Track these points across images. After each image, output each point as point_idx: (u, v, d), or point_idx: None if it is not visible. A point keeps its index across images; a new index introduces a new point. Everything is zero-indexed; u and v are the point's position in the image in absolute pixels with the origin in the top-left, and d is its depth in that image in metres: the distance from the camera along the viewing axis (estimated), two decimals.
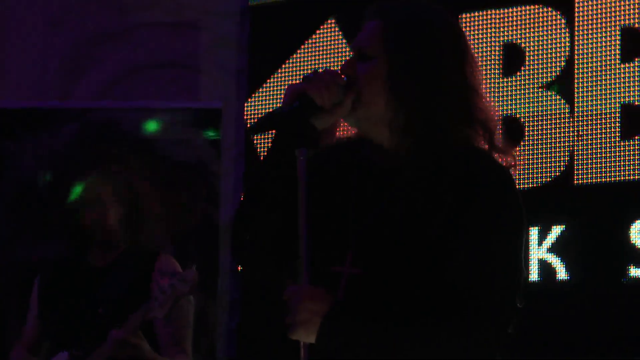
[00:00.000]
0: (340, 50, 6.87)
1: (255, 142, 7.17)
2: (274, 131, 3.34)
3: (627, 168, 6.25)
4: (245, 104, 7.17)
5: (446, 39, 3.27)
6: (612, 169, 6.28)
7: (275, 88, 7.16)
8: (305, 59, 7.08)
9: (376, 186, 3.23)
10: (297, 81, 3.37)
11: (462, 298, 3.06)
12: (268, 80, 7.17)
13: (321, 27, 6.96)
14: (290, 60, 7.10)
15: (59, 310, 5.42)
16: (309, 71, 6.89)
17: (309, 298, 3.09)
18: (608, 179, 6.28)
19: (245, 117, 7.19)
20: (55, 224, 6.18)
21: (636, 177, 6.22)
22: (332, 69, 3.35)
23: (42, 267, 5.61)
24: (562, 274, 6.21)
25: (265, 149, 6.88)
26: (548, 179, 6.28)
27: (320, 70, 3.31)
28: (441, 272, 3.09)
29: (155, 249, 5.41)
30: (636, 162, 6.25)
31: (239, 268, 6.92)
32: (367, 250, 3.18)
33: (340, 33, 6.89)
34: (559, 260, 6.23)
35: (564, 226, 6.20)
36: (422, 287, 3.10)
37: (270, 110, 3.29)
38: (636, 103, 6.30)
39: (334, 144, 3.38)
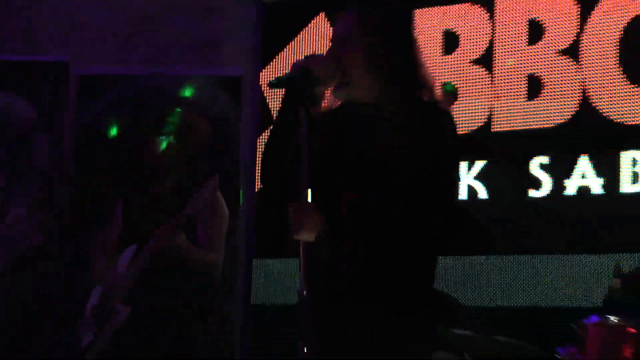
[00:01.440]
0: (328, 36, 6.43)
1: (268, 102, 7.79)
2: (283, 89, 3.65)
3: (529, 121, 7.01)
4: (260, 74, 7.81)
5: (406, 24, 3.73)
6: (519, 121, 7.04)
7: (284, 62, 7.82)
8: (305, 42, 7.77)
9: (366, 127, 3.59)
10: (301, 58, 3.70)
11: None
12: (277, 56, 7.85)
13: (315, 17, 7.77)
14: (294, 42, 7.82)
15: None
16: (308, 51, 7.38)
17: (310, 212, 3.50)
18: (516, 128, 7.03)
19: (260, 84, 7.82)
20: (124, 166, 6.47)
21: (535, 126, 6.95)
22: (322, 53, 3.69)
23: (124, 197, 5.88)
24: (483, 194, 7.03)
25: (275, 108, 7.58)
26: (474, 127, 7.04)
27: (317, 53, 3.69)
28: (407, 182, 3.47)
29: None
30: (536, 116, 6.99)
31: (259, 186, 7.42)
32: (360, 172, 3.57)
33: (328, 23, 7.64)
34: (481, 185, 7.04)
35: (485, 161, 7.00)
36: (394, 195, 3.49)
37: (282, 74, 3.66)
38: (536, 74, 7.04)
39: (330, 110, 3.72)
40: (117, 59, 7.98)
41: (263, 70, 7.91)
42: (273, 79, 3.63)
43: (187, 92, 7.23)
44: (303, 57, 3.61)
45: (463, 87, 7.05)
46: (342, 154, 3.61)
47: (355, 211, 3.48)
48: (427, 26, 7.40)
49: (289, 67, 3.67)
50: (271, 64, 7.94)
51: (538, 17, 7.11)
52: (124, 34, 8.02)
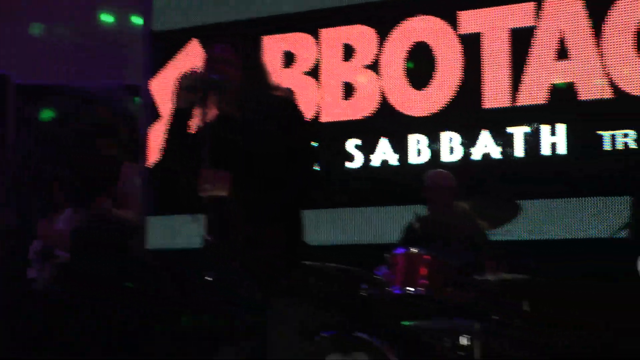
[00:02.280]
0: (200, 56, 5.64)
1: (155, 100, 7.69)
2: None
3: (345, 114, 7.09)
4: (149, 82, 7.88)
5: (258, 53, 3.86)
6: (338, 114, 7.11)
7: (168, 75, 7.67)
8: (182, 61, 7.71)
9: (229, 125, 3.67)
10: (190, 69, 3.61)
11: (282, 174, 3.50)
12: (163, 70, 7.82)
13: (189, 43, 7.77)
14: (174, 60, 7.80)
15: None
16: (185, 67, 5.33)
17: (222, 174, 3.50)
18: (336, 120, 7.12)
19: (149, 89, 7.78)
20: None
21: (350, 118, 7.06)
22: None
23: None
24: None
25: (161, 104, 7.50)
26: (307, 119, 5.94)
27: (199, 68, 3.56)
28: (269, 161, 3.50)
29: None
30: (350, 111, 7.07)
31: None
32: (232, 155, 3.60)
33: (200, 46, 7.55)
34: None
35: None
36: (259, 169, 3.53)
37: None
38: (349, 82, 7.07)
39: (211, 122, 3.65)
40: (49, 72, 7.75)
41: (151, 80, 7.94)
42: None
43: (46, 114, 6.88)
44: (210, 66, 3.62)
45: (297, 90, 7.02)
46: (224, 148, 3.59)
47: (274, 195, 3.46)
48: (273, 49, 7.47)
49: (173, 78, 3.71)
50: (158, 76, 7.91)
51: (350, 42, 7.30)
52: (58, 55, 7.87)
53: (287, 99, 3.67)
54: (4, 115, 7.22)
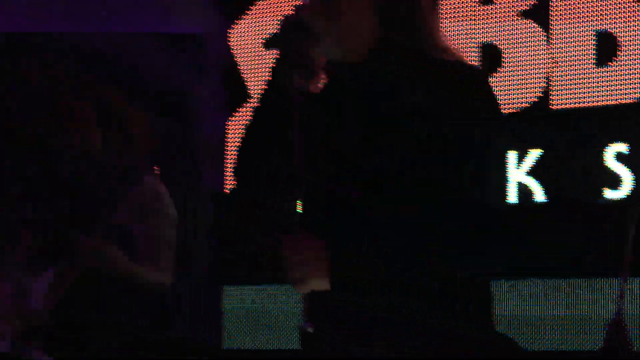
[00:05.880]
0: None
1: (240, 69, 6.23)
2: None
3: (601, 94, 5.52)
4: (229, 31, 6.27)
5: None
6: (588, 94, 5.55)
7: (259, 16, 6.25)
8: None
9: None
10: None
11: None
12: (252, 8, 6.27)
13: None
14: None
15: None
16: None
17: (315, 250, 2.60)
18: (583, 104, 5.60)
19: (229, 43, 6.28)
20: None
21: (610, 102, 5.51)
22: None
23: None
24: (539, 195, 5.56)
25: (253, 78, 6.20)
26: (525, 104, 5.58)
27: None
28: None
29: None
30: (610, 87, 5.50)
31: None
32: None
33: None
34: (537, 183, 5.52)
35: (541, 150, 5.49)
36: None
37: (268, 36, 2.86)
38: (610, 30, 5.54)
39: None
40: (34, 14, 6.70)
41: (233, 26, 6.18)
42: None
43: None
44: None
45: (508, 48, 5.74)
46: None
47: None
48: None
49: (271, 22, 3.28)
50: (244, 21, 6.19)
51: None
52: None
53: (471, 67, 2.73)
54: None
